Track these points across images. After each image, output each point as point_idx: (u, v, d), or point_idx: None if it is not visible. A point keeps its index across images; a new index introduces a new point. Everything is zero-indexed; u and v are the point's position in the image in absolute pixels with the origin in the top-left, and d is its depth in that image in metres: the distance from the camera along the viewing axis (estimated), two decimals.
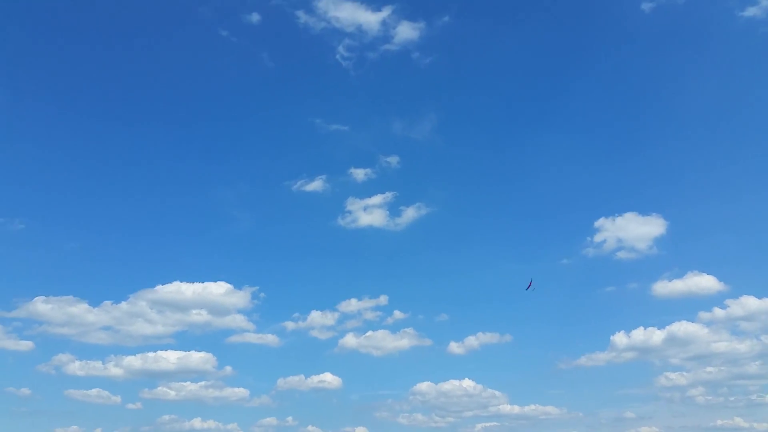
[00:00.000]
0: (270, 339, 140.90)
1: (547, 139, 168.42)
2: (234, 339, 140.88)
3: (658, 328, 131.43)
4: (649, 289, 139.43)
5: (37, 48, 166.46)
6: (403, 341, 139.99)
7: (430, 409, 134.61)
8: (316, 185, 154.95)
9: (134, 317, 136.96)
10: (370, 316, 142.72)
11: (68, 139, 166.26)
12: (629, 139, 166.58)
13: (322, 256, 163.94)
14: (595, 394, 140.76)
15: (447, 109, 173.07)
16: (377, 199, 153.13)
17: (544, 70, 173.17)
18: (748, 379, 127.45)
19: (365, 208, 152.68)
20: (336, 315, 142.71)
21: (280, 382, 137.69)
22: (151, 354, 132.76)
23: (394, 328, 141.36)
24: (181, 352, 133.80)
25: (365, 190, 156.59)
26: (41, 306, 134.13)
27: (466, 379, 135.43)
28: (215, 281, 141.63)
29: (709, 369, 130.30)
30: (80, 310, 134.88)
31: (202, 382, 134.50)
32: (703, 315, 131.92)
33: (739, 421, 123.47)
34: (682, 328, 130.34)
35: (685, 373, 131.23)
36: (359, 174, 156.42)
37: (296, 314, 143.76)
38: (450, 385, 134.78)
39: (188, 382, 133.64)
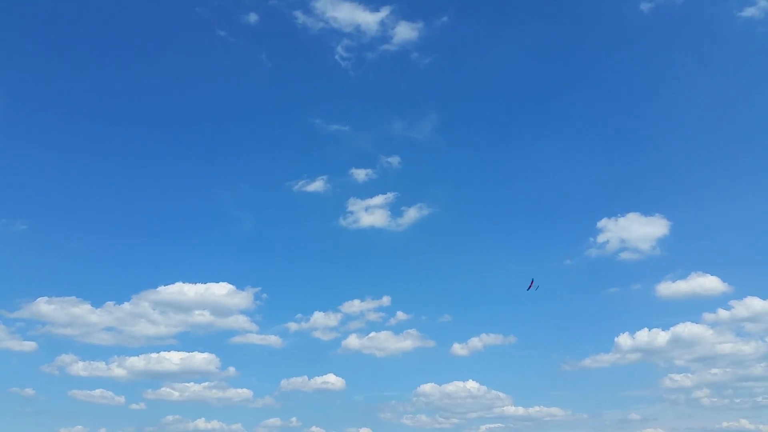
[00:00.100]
0: (273, 340, 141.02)
1: (549, 139, 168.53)
2: (237, 340, 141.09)
3: (663, 330, 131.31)
4: (653, 290, 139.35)
5: (38, 50, 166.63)
6: (407, 342, 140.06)
7: (434, 411, 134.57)
8: (317, 186, 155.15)
9: (137, 318, 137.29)
10: (373, 317, 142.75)
11: (69, 140, 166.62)
12: (631, 139, 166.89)
13: (324, 256, 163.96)
14: (600, 395, 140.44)
15: (447, 109, 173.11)
16: (378, 199, 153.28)
17: (544, 70, 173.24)
18: (754, 381, 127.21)
19: (367, 209, 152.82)
20: (339, 316, 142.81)
21: (284, 383, 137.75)
22: (154, 355, 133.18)
23: (397, 329, 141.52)
24: (184, 352, 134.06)
25: (366, 190, 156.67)
26: (44, 307, 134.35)
27: (470, 380, 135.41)
28: (217, 282, 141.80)
29: (714, 370, 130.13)
30: (83, 310, 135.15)
31: (206, 383, 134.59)
32: (708, 316, 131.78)
33: (744, 423, 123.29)
34: (686, 329, 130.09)
35: (690, 375, 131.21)
36: (360, 174, 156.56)
37: (299, 315, 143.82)
38: (454, 387, 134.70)
39: (192, 383, 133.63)
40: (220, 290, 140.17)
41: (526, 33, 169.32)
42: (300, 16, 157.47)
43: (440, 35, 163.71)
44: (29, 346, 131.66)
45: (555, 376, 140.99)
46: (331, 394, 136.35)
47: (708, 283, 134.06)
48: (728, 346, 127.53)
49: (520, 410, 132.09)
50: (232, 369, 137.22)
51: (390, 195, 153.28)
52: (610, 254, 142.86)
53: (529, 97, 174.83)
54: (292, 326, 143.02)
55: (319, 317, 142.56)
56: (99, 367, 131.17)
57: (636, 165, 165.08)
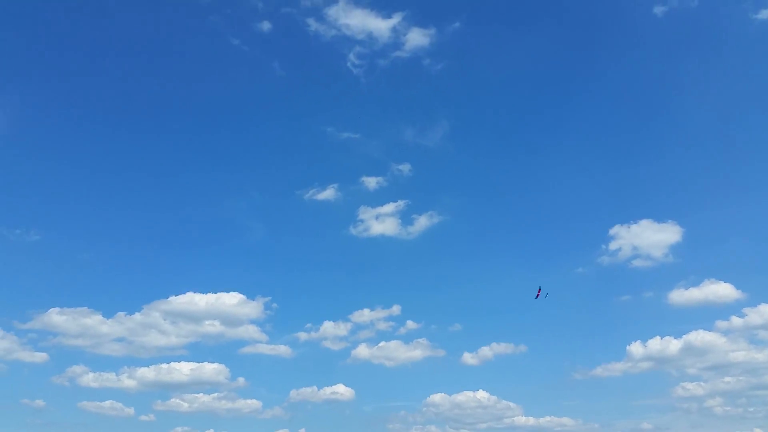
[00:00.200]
0: (282, 350, 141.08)
1: (561, 146, 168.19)
2: (247, 350, 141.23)
3: (675, 338, 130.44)
4: (665, 297, 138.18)
5: (54, 61, 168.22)
6: (417, 352, 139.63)
7: (444, 421, 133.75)
8: (327, 194, 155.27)
9: (148, 328, 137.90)
10: (382, 326, 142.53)
11: (82, 149, 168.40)
12: (643, 145, 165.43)
13: (335, 265, 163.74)
14: (612, 405, 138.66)
15: (459, 116, 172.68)
16: (389, 207, 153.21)
17: (556, 76, 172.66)
18: None
19: (377, 217, 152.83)
20: (349, 325, 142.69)
21: (293, 393, 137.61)
22: (164, 365, 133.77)
23: (407, 339, 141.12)
24: (194, 363, 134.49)
25: (377, 198, 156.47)
26: (55, 317, 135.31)
27: (481, 390, 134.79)
28: (228, 292, 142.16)
29: (727, 379, 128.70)
30: (94, 321, 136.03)
31: (215, 394, 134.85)
32: (721, 324, 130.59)
33: None
34: (699, 337, 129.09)
35: (702, 384, 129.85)
36: (371, 182, 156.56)
37: (309, 325, 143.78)
38: (464, 397, 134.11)
39: (201, 394, 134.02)
40: (230, 300, 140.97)
41: (537, 39, 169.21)
42: (312, 24, 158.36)
43: (452, 41, 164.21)
44: (40, 357, 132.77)
45: (566, 386, 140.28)
46: (340, 404, 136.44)
47: (721, 290, 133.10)
48: (741, 354, 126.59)
49: (531, 420, 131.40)
50: (241, 380, 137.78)
51: (401, 203, 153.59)
52: (623, 261, 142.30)
53: (540, 103, 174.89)
54: (302, 336, 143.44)
55: (328, 327, 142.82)
56: (109, 378, 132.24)
57: (648, 171, 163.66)
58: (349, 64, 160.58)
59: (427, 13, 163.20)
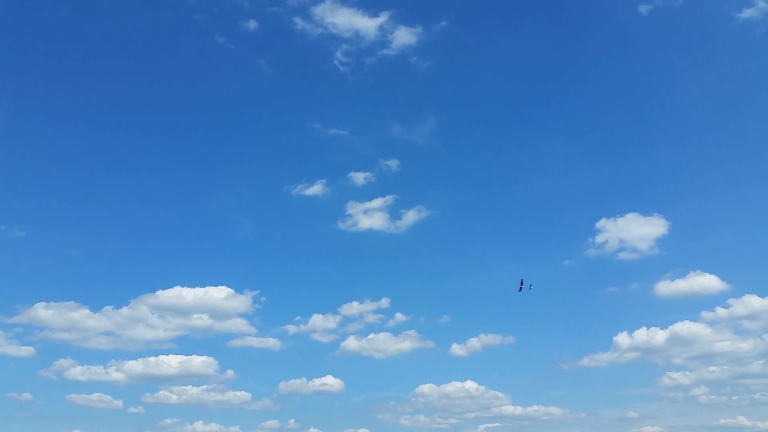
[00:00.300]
0: (271, 343, 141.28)
1: (547, 141, 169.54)
2: (235, 343, 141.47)
3: (661, 328, 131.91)
4: (651, 289, 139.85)
5: (37, 55, 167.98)
6: (405, 344, 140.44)
7: (433, 411, 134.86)
8: (316, 189, 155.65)
9: (135, 322, 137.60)
10: (371, 318, 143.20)
11: (68, 145, 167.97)
12: (630, 140, 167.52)
13: (323, 259, 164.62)
14: (598, 394, 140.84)
15: (446, 113, 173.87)
16: (377, 202, 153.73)
17: (542, 72, 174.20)
18: (751, 378, 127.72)
19: (365, 212, 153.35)
20: (337, 318, 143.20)
21: (282, 385, 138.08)
22: (152, 358, 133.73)
23: (396, 331, 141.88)
24: (183, 356, 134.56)
25: (365, 193, 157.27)
26: (42, 312, 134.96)
27: (469, 380, 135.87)
28: (216, 286, 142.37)
29: (712, 368, 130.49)
30: (81, 315, 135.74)
31: (204, 386, 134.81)
32: (706, 314, 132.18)
33: (742, 420, 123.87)
34: (684, 327, 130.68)
35: (688, 373, 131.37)
36: (359, 178, 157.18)
37: (298, 318, 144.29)
38: (452, 387, 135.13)
39: (190, 386, 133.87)
40: (218, 294, 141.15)
41: (524, 37, 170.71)
42: (299, 22, 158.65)
43: (439, 40, 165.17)
44: (27, 351, 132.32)
45: (553, 376, 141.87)
46: (329, 395, 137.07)
47: (706, 281, 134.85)
48: (726, 344, 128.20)
49: (519, 410, 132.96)
50: (230, 372, 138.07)
51: (389, 198, 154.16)
52: (609, 254, 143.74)
53: (527, 99, 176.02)
54: (291, 329, 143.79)
55: (317, 319, 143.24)
56: (97, 372, 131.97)
57: (634, 165, 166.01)
58: (336, 62, 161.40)
59: (414, 12, 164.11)
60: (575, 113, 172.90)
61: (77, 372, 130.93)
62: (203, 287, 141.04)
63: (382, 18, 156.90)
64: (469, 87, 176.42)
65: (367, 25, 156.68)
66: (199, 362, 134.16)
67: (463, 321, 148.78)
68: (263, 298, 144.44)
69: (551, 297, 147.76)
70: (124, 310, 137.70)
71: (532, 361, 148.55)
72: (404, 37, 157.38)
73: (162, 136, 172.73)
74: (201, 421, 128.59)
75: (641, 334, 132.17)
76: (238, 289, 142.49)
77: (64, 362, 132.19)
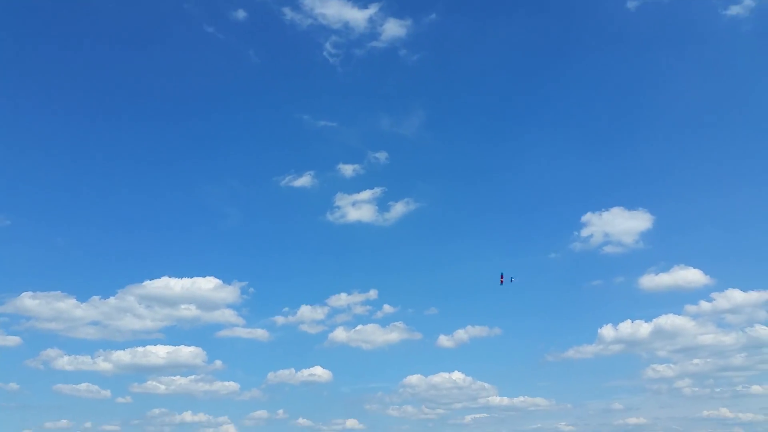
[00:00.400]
0: (260, 333, 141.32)
1: (534, 135, 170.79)
2: (223, 333, 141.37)
3: (645, 321, 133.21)
4: (635, 282, 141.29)
5: (22, 45, 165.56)
6: (393, 335, 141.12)
7: (420, 402, 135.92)
8: (304, 181, 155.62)
9: (123, 312, 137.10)
10: (359, 310, 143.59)
11: (55, 135, 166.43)
12: (615, 134, 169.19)
13: (311, 251, 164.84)
14: (583, 386, 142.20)
15: (435, 106, 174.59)
16: (366, 194, 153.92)
17: (530, 66, 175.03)
18: (734, 371, 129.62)
19: (354, 204, 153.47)
20: (326, 309, 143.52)
21: (271, 375, 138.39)
22: (140, 348, 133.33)
23: (384, 322, 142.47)
24: (171, 346, 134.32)
25: (354, 185, 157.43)
26: (28, 301, 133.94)
27: (456, 371, 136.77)
28: (204, 276, 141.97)
29: (695, 361, 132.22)
30: (68, 305, 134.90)
31: (192, 376, 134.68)
32: (690, 308, 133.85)
33: (725, 411, 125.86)
34: (668, 321, 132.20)
35: (671, 365, 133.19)
36: (347, 170, 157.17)
37: (286, 309, 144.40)
38: (440, 378, 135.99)
39: (178, 376, 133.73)
40: (206, 284, 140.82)
41: (513, 30, 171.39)
42: (288, 13, 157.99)
43: (428, 32, 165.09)
44: (13, 340, 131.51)
45: (539, 367, 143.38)
46: (318, 386, 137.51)
47: (690, 275, 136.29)
48: (709, 337, 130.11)
49: (505, 400, 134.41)
50: (218, 362, 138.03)
51: (377, 190, 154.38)
52: (594, 248, 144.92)
53: (515, 93, 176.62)
54: (279, 320, 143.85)
55: (306, 311, 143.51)
56: (84, 362, 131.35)
57: (620, 160, 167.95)
58: (325, 53, 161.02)
59: (404, 4, 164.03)
60: (562, 107, 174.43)
61: (64, 362, 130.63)
62: (191, 278, 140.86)
63: (372, 10, 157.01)
64: (458, 80, 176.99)
65: (356, 16, 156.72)
66: (187, 352, 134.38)
67: (451, 313, 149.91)
68: (251, 289, 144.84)
69: (537, 289, 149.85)
70: (112, 300, 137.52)
71: (519, 353, 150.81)
72: (394, 29, 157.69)
73: (150, 127, 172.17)
74: (189, 411, 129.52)
75: (626, 327, 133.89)
76: (226, 280, 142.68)
77: (51, 352, 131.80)
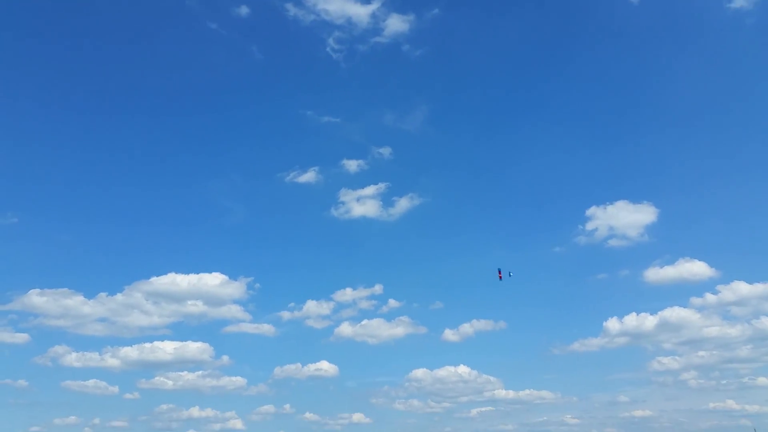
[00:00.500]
0: (266, 329, 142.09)
1: (539, 129, 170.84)
2: (230, 329, 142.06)
3: (651, 314, 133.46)
4: (641, 275, 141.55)
5: (25, 43, 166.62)
6: (399, 329, 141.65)
7: (426, 395, 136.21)
8: (308, 177, 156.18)
9: (130, 309, 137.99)
10: (365, 305, 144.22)
11: (60, 132, 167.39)
12: (620, 128, 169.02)
13: (317, 246, 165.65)
14: (589, 378, 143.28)
15: (438, 100, 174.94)
16: (370, 189, 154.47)
17: (534, 61, 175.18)
18: (740, 363, 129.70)
19: (358, 199, 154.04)
20: (331, 304, 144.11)
21: (277, 370, 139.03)
22: (147, 345, 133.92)
23: (389, 317, 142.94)
24: (178, 342, 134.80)
25: (358, 181, 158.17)
26: (36, 299, 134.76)
27: (462, 365, 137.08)
28: (210, 272, 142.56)
29: (701, 353, 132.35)
30: (75, 302, 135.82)
31: (199, 372, 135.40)
32: (695, 300, 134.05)
33: (731, 403, 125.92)
34: (674, 313, 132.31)
35: (677, 358, 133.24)
36: (352, 165, 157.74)
37: (292, 304, 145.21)
38: (445, 372, 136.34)
39: (185, 372, 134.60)
40: (212, 280, 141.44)
41: (516, 24, 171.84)
42: (291, 9, 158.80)
43: (431, 27, 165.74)
44: (21, 338, 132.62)
45: (544, 360, 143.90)
46: (324, 380, 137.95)
47: (695, 268, 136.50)
48: (715, 329, 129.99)
49: (511, 394, 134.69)
50: (225, 358, 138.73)
51: (381, 185, 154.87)
52: (599, 241, 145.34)
53: (518, 87, 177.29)
54: (285, 315, 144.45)
55: (311, 306, 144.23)
56: (92, 358, 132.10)
57: (624, 154, 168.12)
58: (328, 49, 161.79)
59: (406, 0, 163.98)
60: (566, 101, 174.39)
61: (72, 359, 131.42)
62: (197, 274, 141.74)
63: (375, 5, 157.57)
64: (461, 75, 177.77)
65: (359, 12, 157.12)
66: (194, 348, 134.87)
67: (456, 307, 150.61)
68: (257, 285, 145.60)
69: (542, 283, 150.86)
70: (119, 296, 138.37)
71: (524, 346, 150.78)
72: (396, 24, 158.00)
73: (154, 123, 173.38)
74: (197, 407, 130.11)
75: (631, 320, 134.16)
76: (233, 276, 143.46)
77: (59, 349, 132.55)
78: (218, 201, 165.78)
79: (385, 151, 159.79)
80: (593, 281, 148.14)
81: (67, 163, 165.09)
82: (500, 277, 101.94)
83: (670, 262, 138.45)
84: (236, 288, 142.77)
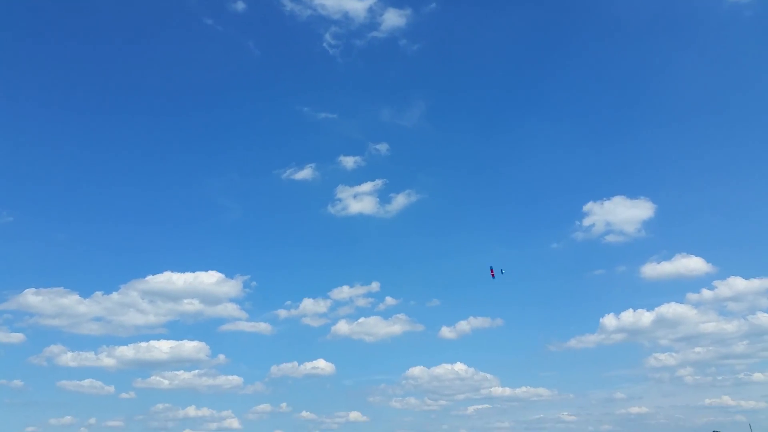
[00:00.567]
0: (263, 327, 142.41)
1: (536, 125, 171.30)
2: (227, 327, 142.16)
3: (647, 310, 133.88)
4: (637, 271, 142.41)
5: (21, 42, 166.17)
6: (396, 327, 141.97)
7: (423, 393, 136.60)
8: (305, 173, 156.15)
9: (126, 308, 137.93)
10: (362, 302, 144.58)
11: (55, 131, 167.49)
12: (617, 123, 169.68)
13: (313, 244, 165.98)
14: (586, 375, 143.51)
15: (435, 96, 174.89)
16: (367, 186, 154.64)
17: (531, 56, 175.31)
18: (736, 359, 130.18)
19: (355, 196, 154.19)
20: (328, 302, 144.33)
21: (274, 369, 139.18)
22: (143, 344, 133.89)
23: (386, 314, 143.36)
24: (174, 341, 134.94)
25: (355, 177, 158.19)
26: (31, 298, 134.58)
27: (458, 362, 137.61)
28: (206, 271, 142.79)
29: (697, 349, 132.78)
30: (71, 301, 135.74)
31: (196, 371, 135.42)
32: (692, 296, 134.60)
33: (726, 399, 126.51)
34: (670, 309, 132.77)
35: (673, 354, 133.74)
36: (348, 162, 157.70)
37: (288, 302, 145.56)
38: (442, 369, 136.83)
39: (182, 371, 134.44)
40: (209, 279, 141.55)
41: (513, 20, 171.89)
42: (288, 4, 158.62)
43: (428, 22, 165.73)
44: (17, 337, 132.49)
45: (541, 357, 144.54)
46: (321, 379, 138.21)
47: (692, 264, 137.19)
48: (711, 325, 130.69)
49: (507, 391, 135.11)
50: (222, 356, 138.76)
51: (378, 182, 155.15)
52: (596, 237, 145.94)
53: (516, 83, 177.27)
54: (282, 313, 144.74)
55: (308, 304, 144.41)
56: (88, 357, 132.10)
57: (621, 149, 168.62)
58: (325, 44, 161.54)
59: None
60: (564, 97, 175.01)
61: (68, 358, 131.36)
62: (193, 272, 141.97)
63: (371, 0, 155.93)
64: (458, 70, 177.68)
65: (356, 6, 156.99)
66: (190, 347, 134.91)
67: (452, 304, 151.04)
68: (254, 283, 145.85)
69: (539, 279, 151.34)
70: (114, 295, 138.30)
71: (521, 343, 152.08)
72: (393, 19, 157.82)
73: (150, 120, 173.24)
74: (193, 406, 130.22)
75: (628, 316, 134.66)
76: (229, 274, 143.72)
77: (54, 348, 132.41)
78: (214, 198, 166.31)
79: (382, 148, 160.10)
80: (590, 277, 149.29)
81: (62, 162, 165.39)
82: (492, 275, 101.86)
83: (667, 257, 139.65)
84: (232, 286, 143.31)
